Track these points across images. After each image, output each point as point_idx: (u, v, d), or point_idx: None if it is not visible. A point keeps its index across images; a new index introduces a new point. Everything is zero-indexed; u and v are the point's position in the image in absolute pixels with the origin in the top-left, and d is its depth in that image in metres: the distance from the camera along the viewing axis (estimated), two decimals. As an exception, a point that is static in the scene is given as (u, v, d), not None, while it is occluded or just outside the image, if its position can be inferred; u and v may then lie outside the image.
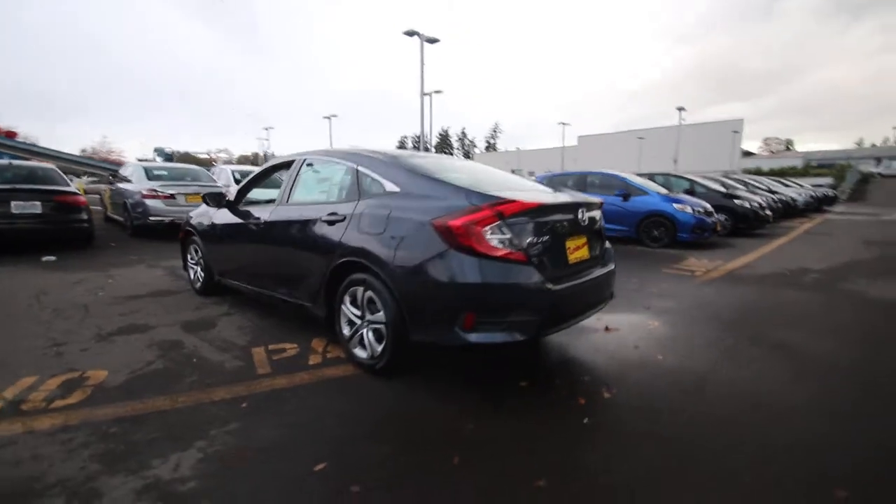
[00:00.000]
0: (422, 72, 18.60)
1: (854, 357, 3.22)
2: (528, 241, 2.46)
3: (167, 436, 2.14)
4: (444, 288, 2.38)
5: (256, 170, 4.19)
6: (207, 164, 35.76)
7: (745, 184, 14.44)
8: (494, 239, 2.37)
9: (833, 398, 2.62)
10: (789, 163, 45.68)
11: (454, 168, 3.16)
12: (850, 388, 2.74)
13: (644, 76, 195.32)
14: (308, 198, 3.37)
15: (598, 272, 2.89)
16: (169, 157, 22.17)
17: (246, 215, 3.88)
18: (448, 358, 3.05)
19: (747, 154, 65.46)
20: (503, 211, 2.40)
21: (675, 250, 7.94)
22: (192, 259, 4.77)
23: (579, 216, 2.80)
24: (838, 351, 3.31)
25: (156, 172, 8.90)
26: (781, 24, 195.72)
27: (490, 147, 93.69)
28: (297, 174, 3.50)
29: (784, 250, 8.38)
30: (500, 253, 2.37)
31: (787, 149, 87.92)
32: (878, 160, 53.32)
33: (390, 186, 2.78)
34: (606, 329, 3.67)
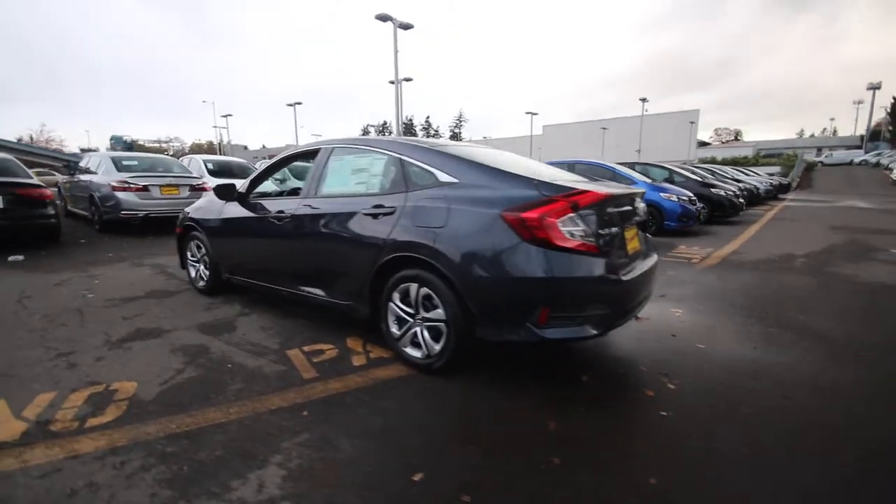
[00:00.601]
0: (395, 59, 18.15)
1: (878, 338, 3.39)
2: (599, 232, 2.40)
3: (236, 452, 1.96)
4: (518, 283, 2.29)
5: (269, 160, 3.91)
6: (160, 153, 33.69)
7: (713, 173, 15.08)
8: (569, 231, 2.30)
9: (874, 377, 2.73)
10: (741, 152, 48.09)
11: (496, 157, 3.05)
12: (889, 367, 2.88)
13: (605, 68, 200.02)
14: (342, 189, 3.17)
15: (648, 263, 2.88)
16: (129, 146, 20.56)
17: (263, 209, 3.63)
18: (494, 354, 2.97)
19: (702, 144, 68.47)
20: (578, 202, 2.32)
21: (664, 238, 8.16)
22: (192, 257, 4.44)
23: (636, 206, 2.77)
24: (859, 333, 3.47)
25: (125, 163, 8.25)
26: (729, 17, 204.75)
27: (455, 136, 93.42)
28: (325, 165, 3.29)
29: (762, 237, 8.78)
30: (574, 245, 2.30)
31: (736, 139, 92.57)
32: (819, 149, 57.08)
33: (445, 177, 2.65)
34: (637, 318, 3.69)
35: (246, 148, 71.93)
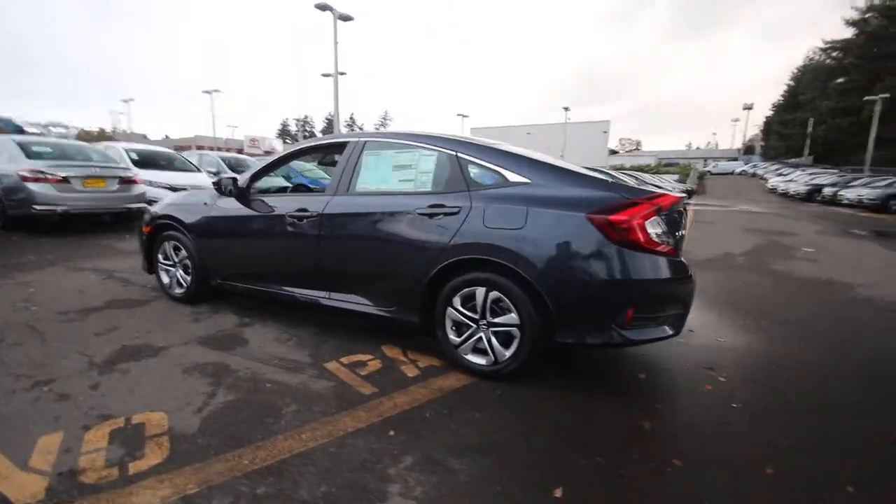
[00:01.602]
0: (335, 50, 17.37)
1: (853, 329, 3.87)
2: (673, 234, 2.46)
3: (343, 485, 1.70)
4: (606, 285, 2.26)
5: (277, 153, 3.48)
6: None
7: (635, 178, 16.42)
8: (654, 233, 2.32)
9: (873, 363, 3.11)
10: (645, 161, 53.03)
11: (547, 157, 3.00)
12: (879, 355, 3.29)
13: (531, 77, 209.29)
14: (382, 187, 2.92)
15: None
16: (19, 129, 17.21)
17: (274, 207, 3.24)
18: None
19: (612, 152, 74.37)
20: (661, 205, 2.35)
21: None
22: (166, 260, 3.84)
23: (684, 208, 2.89)
24: (836, 328, 3.95)
25: (36, 149, 6.93)
26: (634, 37, 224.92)
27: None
28: (358, 160, 3.00)
29: (695, 238, 9.70)
30: (658, 247, 2.32)
31: (637, 148, 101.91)
32: (705, 160, 64.73)
33: (515, 177, 2.54)
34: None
35: (145, 137, 64.60)
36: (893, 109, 31.05)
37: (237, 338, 3.10)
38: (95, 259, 5.26)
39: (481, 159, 2.65)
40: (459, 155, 2.71)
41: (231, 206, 3.42)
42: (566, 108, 40.70)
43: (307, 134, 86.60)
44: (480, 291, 2.51)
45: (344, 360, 2.81)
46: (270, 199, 3.33)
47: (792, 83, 56.30)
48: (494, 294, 2.48)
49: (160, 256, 3.88)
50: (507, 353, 2.50)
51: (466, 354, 2.62)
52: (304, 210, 3.04)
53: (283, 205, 3.21)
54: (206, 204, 3.57)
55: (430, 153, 2.81)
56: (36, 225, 6.74)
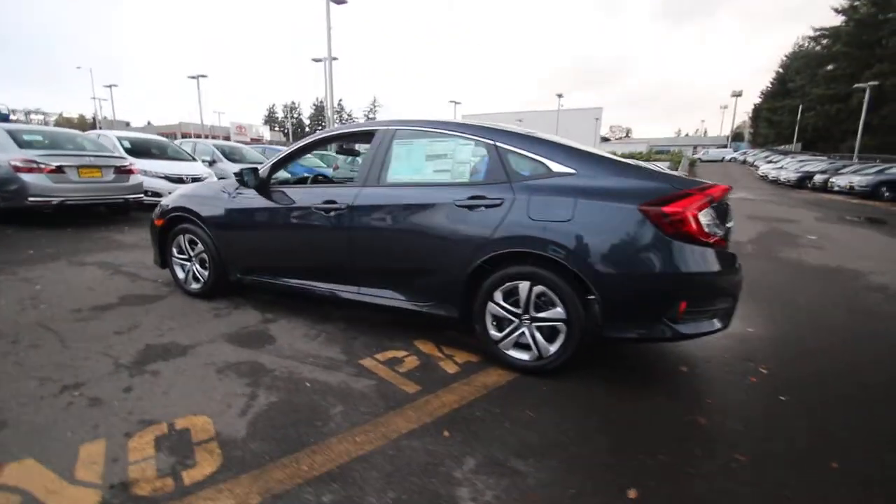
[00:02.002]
0: (328, 35, 16.95)
1: (878, 317, 3.89)
2: (723, 224, 2.40)
3: (412, 491, 1.64)
4: (661, 278, 2.21)
5: (297, 143, 3.34)
6: None
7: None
8: (707, 225, 2.26)
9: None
10: (637, 148, 53.23)
11: (584, 145, 2.91)
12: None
13: (527, 65, 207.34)
14: (416, 178, 2.81)
15: None
16: (5, 117, 16.53)
17: (298, 198, 3.12)
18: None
19: (603, 139, 74.46)
20: (713, 195, 2.29)
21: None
22: (181, 254, 3.71)
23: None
24: (857, 317, 3.97)
25: (27, 137, 6.65)
26: (627, 26, 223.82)
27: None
28: (388, 150, 2.89)
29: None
30: (710, 239, 2.27)
31: (627, 135, 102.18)
32: (695, 147, 65.10)
33: (559, 167, 2.46)
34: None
35: (128, 125, 62.95)
36: (881, 97, 31.42)
37: (264, 335, 3.00)
38: (98, 253, 5.08)
39: (522, 149, 2.56)
40: (498, 144, 2.61)
41: (252, 198, 3.29)
42: (559, 95, 40.57)
43: (294, 120, 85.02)
44: (524, 285, 2.45)
45: (379, 356, 2.73)
46: (292, 191, 3.21)
47: (781, 70, 56.64)
48: (539, 288, 2.41)
49: (174, 250, 3.74)
50: (553, 348, 2.44)
51: (508, 350, 2.56)
52: (332, 202, 2.93)
53: (308, 197, 3.09)
54: (224, 196, 3.43)
55: (467, 143, 2.71)
56: (29, 218, 6.51)
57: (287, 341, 2.91)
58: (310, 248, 3.10)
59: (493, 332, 2.59)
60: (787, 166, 27.70)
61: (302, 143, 3.32)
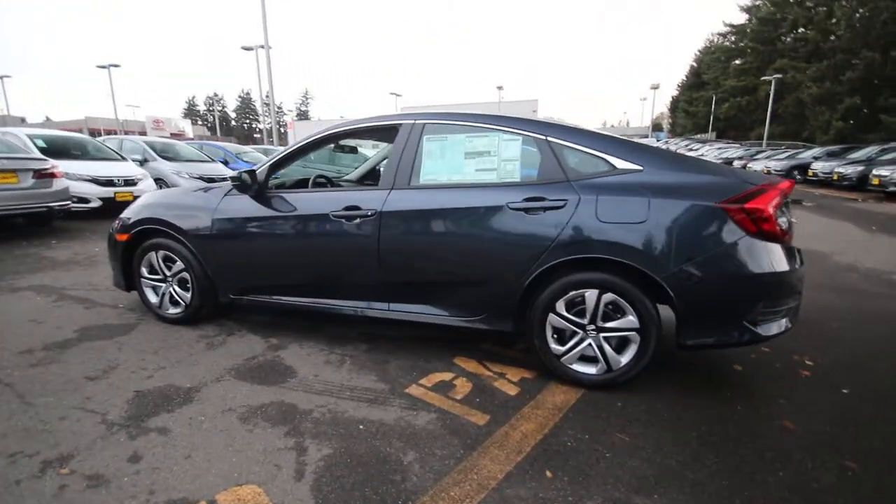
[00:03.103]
0: (264, 20, 15.73)
1: (849, 291, 4.12)
2: (789, 220, 2.33)
3: (550, 560, 1.37)
4: (743, 279, 2.08)
5: (299, 141, 2.85)
6: None
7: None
8: (782, 222, 2.17)
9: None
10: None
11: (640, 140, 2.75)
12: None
13: (459, 54, 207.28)
14: (456, 179, 2.49)
15: None
16: None
17: (308, 205, 2.70)
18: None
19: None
20: (784, 190, 2.20)
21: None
22: (154, 275, 3.12)
23: None
24: (848, 297, 4.19)
25: (-88, 136, 5.45)
26: (552, 18, 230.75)
27: (303, 114, 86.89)
28: (417, 147, 2.54)
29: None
30: (785, 236, 2.18)
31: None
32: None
33: (623, 164, 2.26)
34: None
35: (24, 121, 55.49)
36: (784, 89, 34.83)
37: (279, 365, 2.57)
38: (29, 275, 4.24)
39: (579, 144, 2.34)
40: (551, 139, 2.37)
41: (248, 206, 2.80)
42: (500, 88, 41.05)
43: (219, 113, 79.42)
44: (591, 294, 2.24)
45: (424, 381, 2.42)
46: (295, 196, 2.77)
47: (695, 64, 61.16)
48: (609, 296, 2.22)
49: (144, 270, 3.14)
50: (623, 360, 2.26)
51: (572, 364, 2.35)
52: (356, 208, 2.54)
53: (321, 203, 2.68)
54: (210, 203, 2.90)
55: (513, 137, 2.43)
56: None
57: (310, 371, 2.51)
58: (326, 261, 2.69)
59: (555, 346, 2.36)
60: (707, 154, 29.93)
61: (305, 141, 2.86)
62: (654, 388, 2.35)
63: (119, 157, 8.61)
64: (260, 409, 2.13)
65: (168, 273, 3.08)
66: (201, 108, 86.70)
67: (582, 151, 2.32)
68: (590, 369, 2.34)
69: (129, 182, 7.85)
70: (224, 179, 10.90)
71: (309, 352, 2.75)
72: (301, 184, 3.16)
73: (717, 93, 47.98)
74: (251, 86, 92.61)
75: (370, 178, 4.04)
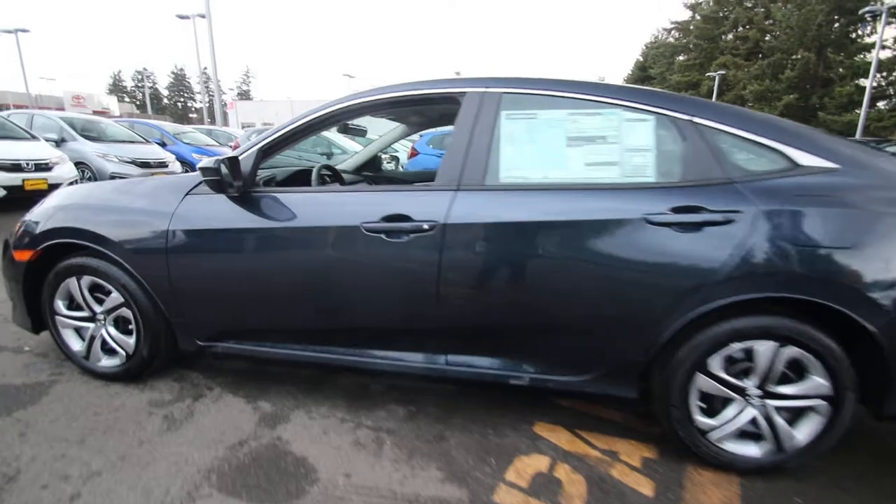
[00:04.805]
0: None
1: None
2: None
3: None
4: None
5: (303, 115, 1.90)
6: None
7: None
8: None
9: None
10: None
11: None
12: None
13: (412, 40, 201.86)
14: (556, 176, 1.69)
15: None
16: None
17: (319, 210, 1.81)
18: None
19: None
20: None
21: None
22: (77, 311, 2.11)
23: None
24: None
25: None
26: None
27: (244, 94, 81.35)
28: (493, 128, 1.72)
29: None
30: None
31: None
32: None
33: (811, 160, 1.55)
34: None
35: None
36: (726, 85, 36.52)
37: (284, 456, 1.69)
38: None
39: (744, 129, 1.61)
40: (698, 121, 1.62)
41: (226, 211, 1.85)
42: (457, 73, 40.12)
43: (150, 89, 72.80)
44: (765, 348, 1.54)
45: (513, 474, 1.64)
46: (298, 199, 1.86)
47: (641, 59, 63.03)
48: (791, 350, 1.54)
49: (60, 303, 2.11)
50: (800, 437, 1.60)
51: (724, 443, 1.66)
52: (404, 218, 1.69)
53: (337, 209, 1.80)
54: (164, 206, 1.93)
55: (642, 117, 1.66)
56: None
57: (336, 467, 1.65)
58: (352, 295, 1.81)
59: (701, 418, 1.65)
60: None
61: (311, 116, 1.91)
62: (830, 475, 1.71)
63: (28, 136, 7.00)
64: (275, 565, 1.27)
65: (98, 309, 2.08)
66: (129, 84, 79.06)
67: (748, 140, 1.60)
68: (750, 450, 1.66)
69: (42, 167, 6.37)
70: (163, 164, 9.40)
71: (324, 426, 1.88)
72: (297, 179, 2.23)
73: (663, 87, 49.80)
74: (186, 61, 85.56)
75: (369, 169, 3.17)
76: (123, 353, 2.09)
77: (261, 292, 1.89)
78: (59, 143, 7.98)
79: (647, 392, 1.72)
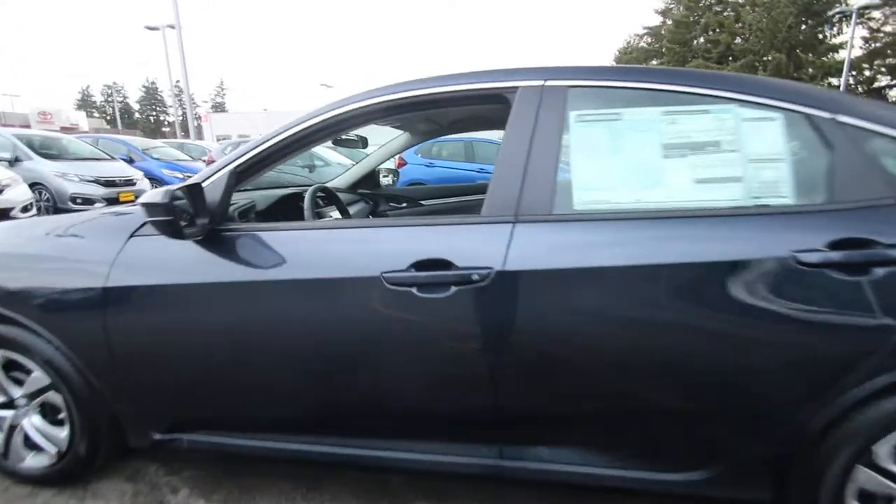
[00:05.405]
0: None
1: None
2: None
3: None
4: None
5: (297, 122, 1.40)
6: None
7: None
8: None
9: None
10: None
11: None
12: None
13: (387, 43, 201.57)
14: (654, 199, 1.23)
15: None
16: None
17: (314, 254, 1.31)
18: None
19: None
20: None
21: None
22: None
23: None
24: None
25: None
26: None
27: (218, 106, 79.67)
28: (559, 133, 1.25)
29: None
30: None
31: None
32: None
33: None
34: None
35: None
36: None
37: None
38: None
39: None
40: (844, 119, 1.19)
41: (187, 258, 1.34)
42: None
43: (120, 104, 70.77)
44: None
45: None
46: (289, 237, 1.36)
47: (615, 63, 64.17)
48: None
49: (-38, 388, 1.55)
50: None
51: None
52: (443, 265, 1.20)
53: (344, 251, 1.31)
54: (101, 252, 1.40)
55: (767, 115, 1.22)
56: None
57: None
58: (372, 373, 1.31)
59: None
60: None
61: (305, 125, 1.40)
62: None
63: (-28, 156, 6.30)
64: None
65: (16, 393, 1.53)
66: (98, 98, 76.72)
67: (907, 141, 1.17)
68: (930, 568, 1.21)
69: (-12, 190, 5.67)
70: (130, 182, 8.62)
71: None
72: (285, 206, 1.72)
73: (638, 91, 50.41)
74: (157, 74, 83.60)
75: (366, 187, 2.69)
76: (54, 450, 1.54)
77: (238, 369, 1.37)
78: (13, 162, 7.25)
79: (782, 491, 1.26)
